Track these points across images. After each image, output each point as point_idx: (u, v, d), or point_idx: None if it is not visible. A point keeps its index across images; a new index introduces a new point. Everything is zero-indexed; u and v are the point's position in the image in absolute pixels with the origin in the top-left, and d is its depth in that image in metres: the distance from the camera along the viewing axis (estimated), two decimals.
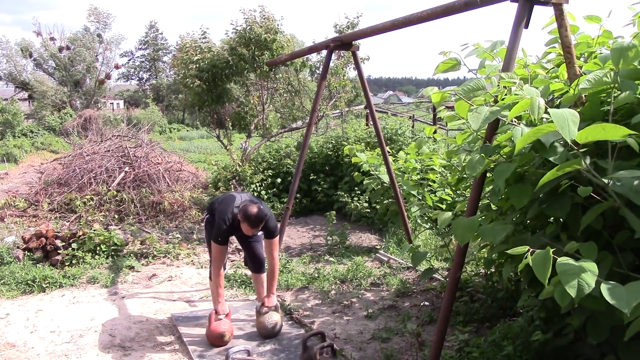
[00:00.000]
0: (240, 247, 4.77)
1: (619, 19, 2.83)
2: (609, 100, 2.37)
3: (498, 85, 2.67)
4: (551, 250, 1.93)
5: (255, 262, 4.32)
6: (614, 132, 1.89)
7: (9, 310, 4.72)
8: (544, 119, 2.38)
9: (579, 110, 2.53)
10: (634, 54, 2.32)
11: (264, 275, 4.29)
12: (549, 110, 2.09)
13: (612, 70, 2.36)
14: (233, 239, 5.00)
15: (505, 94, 2.65)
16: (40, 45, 27.93)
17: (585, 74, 2.58)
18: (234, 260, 6.05)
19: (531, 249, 2.03)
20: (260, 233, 4.14)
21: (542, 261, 1.93)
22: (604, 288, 1.78)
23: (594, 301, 1.97)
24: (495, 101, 2.68)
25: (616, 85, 2.32)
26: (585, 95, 2.57)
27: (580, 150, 2.12)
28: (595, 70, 2.46)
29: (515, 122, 2.52)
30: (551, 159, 2.23)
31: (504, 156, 2.71)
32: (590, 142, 1.99)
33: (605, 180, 1.97)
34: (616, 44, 2.44)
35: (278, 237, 4.19)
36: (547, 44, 3.29)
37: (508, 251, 2.17)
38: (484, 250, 4.10)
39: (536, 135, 2.15)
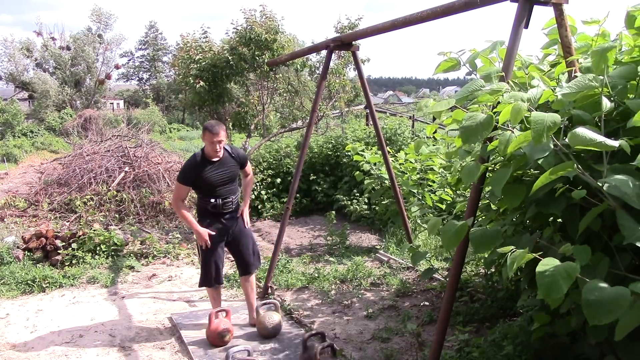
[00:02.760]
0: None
1: (621, 20, 2.82)
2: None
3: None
4: (547, 252, 1.94)
5: (243, 264, 4.28)
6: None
7: (9, 310, 4.72)
8: None
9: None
10: (613, 56, 2.31)
11: (253, 277, 4.37)
12: (532, 114, 2.08)
13: (598, 74, 2.34)
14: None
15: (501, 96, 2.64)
16: (42, 45, 27.94)
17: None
18: (233, 261, 6.04)
19: (514, 249, 2.05)
20: (248, 226, 4.26)
21: (515, 260, 1.96)
22: (584, 290, 1.80)
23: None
24: (493, 107, 2.67)
25: (604, 88, 2.30)
26: None
27: (575, 153, 2.12)
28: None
29: (509, 126, 2.52)
30: (540, 162, 2.23)
31: (503, 157, 2.70)
32: (582, 146, 1.99)
33: (600, 183, 1.97)
34: (596, 46, 2.43)
35: (250, 165, 4.47)
36: (544, 47, 3.28)
37: (498, 249, 2.19)
38: None
39: (526, 140, 2.14)
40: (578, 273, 1.86)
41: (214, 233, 4.00)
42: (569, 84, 2.30)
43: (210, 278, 4.09)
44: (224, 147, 4.01)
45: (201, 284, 4.19)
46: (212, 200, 3.99)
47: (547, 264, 1.91)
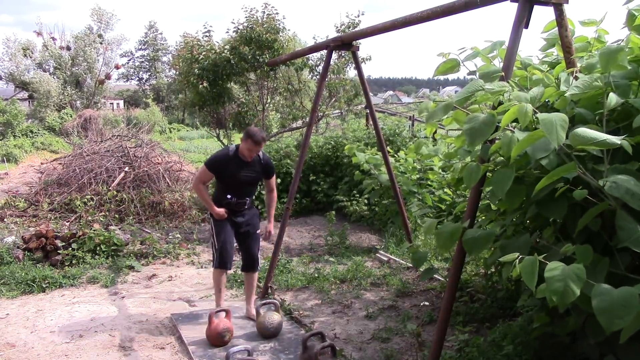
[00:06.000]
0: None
1: (619, 20, 2.82)
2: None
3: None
4: (547, 252, 1.93)
5: (249, 260, 4.44)
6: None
7: (9, 310, 4.72)
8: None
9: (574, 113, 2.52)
10: (622, 57, 2.31)
11: (256, 275, 4.53)
12: (538, 115, 2.08)
13: (603, 74, 2.34)
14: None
15: (502, 96, 2.64)
16: (42, 45, 27.90)
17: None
18: (234, 260, 6.04)
19: (520, 256, 2.04)
20: (259, 231, 4.40)
21: (530, 267, 1.94)
22: (594, 296, 1.79)
23: (590, 303, 1.97)
24: (494, 107, 2.67)
25: (608, 88, 2.30)
26: None
27: (576, 154, 2.11)
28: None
29: (511, 126, 2.52)
30: (542, 163, 2.23)
31: (503, 157, 2.70)
32: (583, 145, 1.99)
33: (601, 183, 1.97)
34: (604, 47, 2.44)
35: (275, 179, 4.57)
36: (542, 49, 3.29)
37: (500, 259, 2.17)
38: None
39: (530, 142, 2.14)
40: (585, 275, 1.86)
41: (226, 216, 4.22)
42: (575, 84, 2.31)
43: (225, 259, 4.25)
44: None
45: (216, 266, 4.33)
46: (229, 196, 4.23)
47: (554, 267, 1.90)
